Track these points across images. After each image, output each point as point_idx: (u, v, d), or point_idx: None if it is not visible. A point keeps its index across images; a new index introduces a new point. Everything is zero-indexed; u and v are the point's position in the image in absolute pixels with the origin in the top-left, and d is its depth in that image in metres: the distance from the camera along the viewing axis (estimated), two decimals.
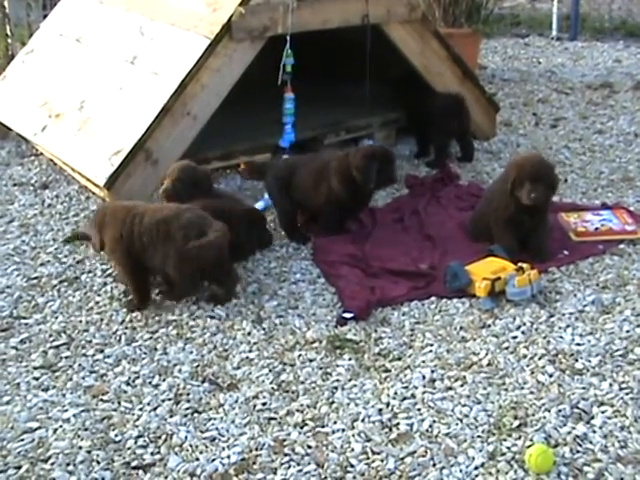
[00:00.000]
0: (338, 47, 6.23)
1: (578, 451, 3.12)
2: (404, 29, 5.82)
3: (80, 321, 4.05)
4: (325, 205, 4.79)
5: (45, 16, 7.19)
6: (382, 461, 3.10)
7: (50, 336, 3.92)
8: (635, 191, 5.52)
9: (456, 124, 5.88)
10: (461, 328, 3.96)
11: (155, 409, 3.40)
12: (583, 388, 3.48)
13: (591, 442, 3.16)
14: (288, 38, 5.26)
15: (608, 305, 4.12)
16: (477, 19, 8.91)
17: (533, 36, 10.27)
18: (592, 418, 3.30)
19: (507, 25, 10.74)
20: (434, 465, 3.07)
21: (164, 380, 3.59)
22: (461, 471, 3.03)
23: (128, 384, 3.57)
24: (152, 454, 3.16)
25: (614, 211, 5.05)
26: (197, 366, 3.69)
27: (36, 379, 3.61)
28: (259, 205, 5.08)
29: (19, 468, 3.09)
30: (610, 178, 5.78)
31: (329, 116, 6.16)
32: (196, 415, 3.37)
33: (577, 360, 3.67)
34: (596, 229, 4.83)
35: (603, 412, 3.33)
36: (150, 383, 3.58)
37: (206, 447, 3.19)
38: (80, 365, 3.70)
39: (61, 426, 3.30)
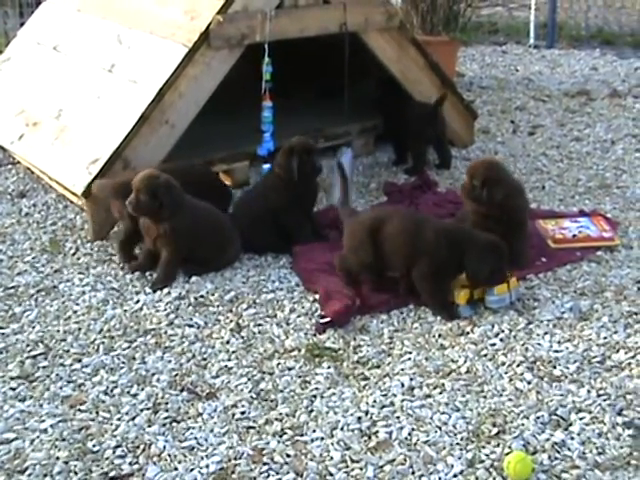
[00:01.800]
0: (316, 54, 6.24)
1: (556, 458, 3.13)
2: (382, 37, 5.83)
3: (58, 330, 4.02)
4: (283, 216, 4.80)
5: (22, 24, 7.15)
6: (361, 469, 3.09)
7: (27, 346, 3.90)
8: (612, 198, 5.56)
9: (431, 131, 5.90)
10: (440, 336, 3.97)
11: (133, 419, 3.38)
12: (561, 395, 3.49)
13: (569, 449, 3.18)
14: (266, 46, 5.27)
15: (586, 312, 4.13)
16: (455, 27, 8.95)
17: (510, 44, 10.33)
18: (570, 425, 3.31)
19: (485, 33, 10.79)
20: (413, 473, 3.07)
21: (142, 389, 3.57)
22: (440, 479, 3.03)
23: (106, 394, 3.55)
24: (130, 464, 3.14)
25: (591, 218, 5.08)
26: (176, 375, 3.68)
27: (13, 389, 3.58)
28: None
29: None
30: (587, 185, 5.81)
31: (307, 124, 6.15)
32: (175, 424, 3.35)
33: (555, 367, 3.69)
34: (574, 236, 4.85)
35: (581, 419, 3.34)
36: (128, 392, 3.56)
37: (185, 457, 3.17)
38: (57, 375, 3.68)
39: (38, 437, 3.28)
